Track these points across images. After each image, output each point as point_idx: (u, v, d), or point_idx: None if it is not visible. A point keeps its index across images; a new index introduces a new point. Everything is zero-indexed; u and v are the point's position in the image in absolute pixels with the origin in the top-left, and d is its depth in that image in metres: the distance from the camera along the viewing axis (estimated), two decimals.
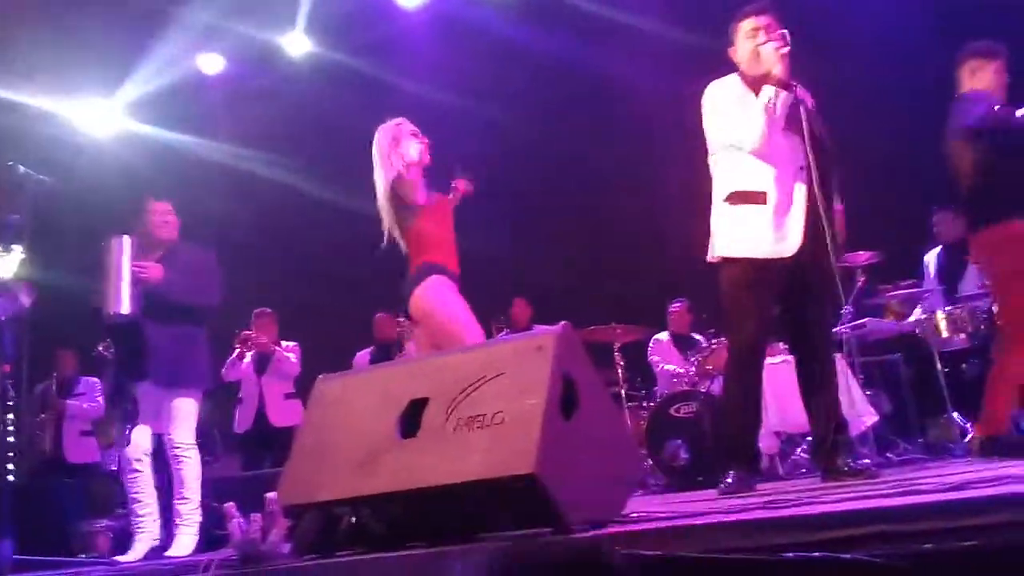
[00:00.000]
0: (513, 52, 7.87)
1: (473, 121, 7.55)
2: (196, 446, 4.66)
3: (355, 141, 4.20)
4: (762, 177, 3.43)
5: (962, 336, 5.37)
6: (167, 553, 4.48)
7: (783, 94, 3.38)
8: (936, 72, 4.37)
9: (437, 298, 3.72)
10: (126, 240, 4.44)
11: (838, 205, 3.48)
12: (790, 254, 3.38)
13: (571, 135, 7.75)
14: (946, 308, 5.40)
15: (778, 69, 3.38)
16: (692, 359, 6.28)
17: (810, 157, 3.39)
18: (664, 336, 6.92)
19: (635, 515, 2.31)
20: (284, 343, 7.09)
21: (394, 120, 4.04)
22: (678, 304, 6.87)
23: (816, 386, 3.45)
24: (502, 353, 2.34)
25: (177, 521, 4.55)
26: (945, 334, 5.41)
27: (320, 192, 7.98)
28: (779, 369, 5.05)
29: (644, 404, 6.41)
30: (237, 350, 7.00)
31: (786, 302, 3.53)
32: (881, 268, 5.71)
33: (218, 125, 8.80)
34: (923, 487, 2.41)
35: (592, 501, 2.21)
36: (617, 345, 6.37)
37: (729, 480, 3.41)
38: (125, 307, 4.37)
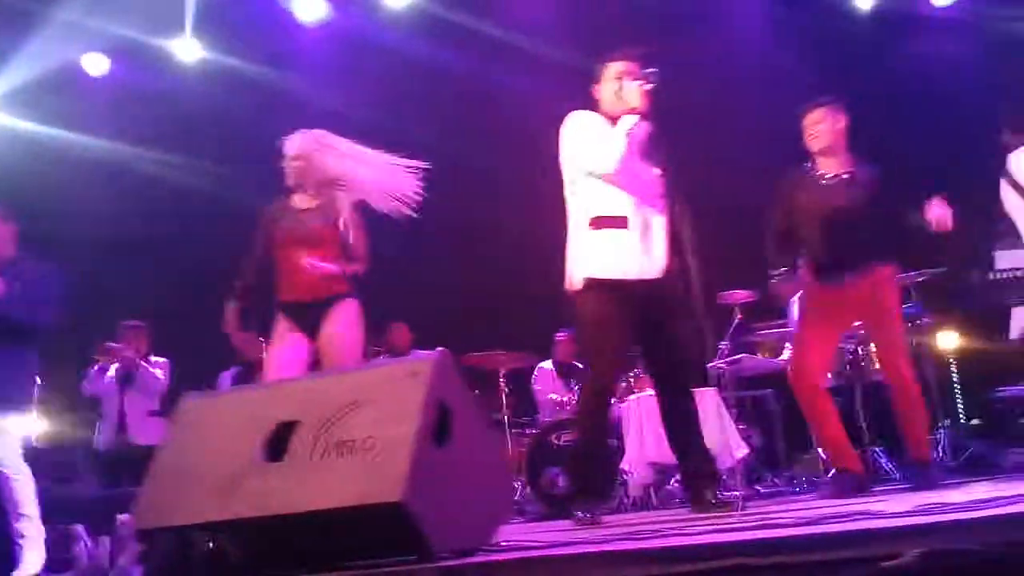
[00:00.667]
0: (407, 69, 7.87)
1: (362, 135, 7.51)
2: (24, 463, 4.43)
3: (248, 149, 4.14)
4: (622, 203, 3.50)
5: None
6: (15, 575, 4.24)
7: (643, 124, 3.47)
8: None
9: None
10: None
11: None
12: (655, 275, 3.44)
13: (460, 157, 7.75)
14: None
15: (639, 104, 3.47)
16: (575, 388, 6.35)
17: (669, 190, 3.50)
18: (548, 365, 6.98)
19: (503, 544, 2.31)
20: (154, 358, 6.81)
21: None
22: (563, 334, 6.95)
23: (679, 419, 3.50)
24: (376, 378, 2.31)
25: (20, 542, 4.31)
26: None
27: (213, 198, 7.76)
28: (655, 400, 5.15)
29: (526, 431, 6.44)
30: (98, 363, 6.68)
31: (647, 335, 3.57)
32: (757, 306, 5.91)
33: (102, 125, 8.45)
34: (782, 521, 2.50)
35: (461, 529, 2.19)
36: (502, 372, 6.39)
37: (579, 514, 3.44)
38: None
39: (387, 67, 7.89)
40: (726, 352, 5.90)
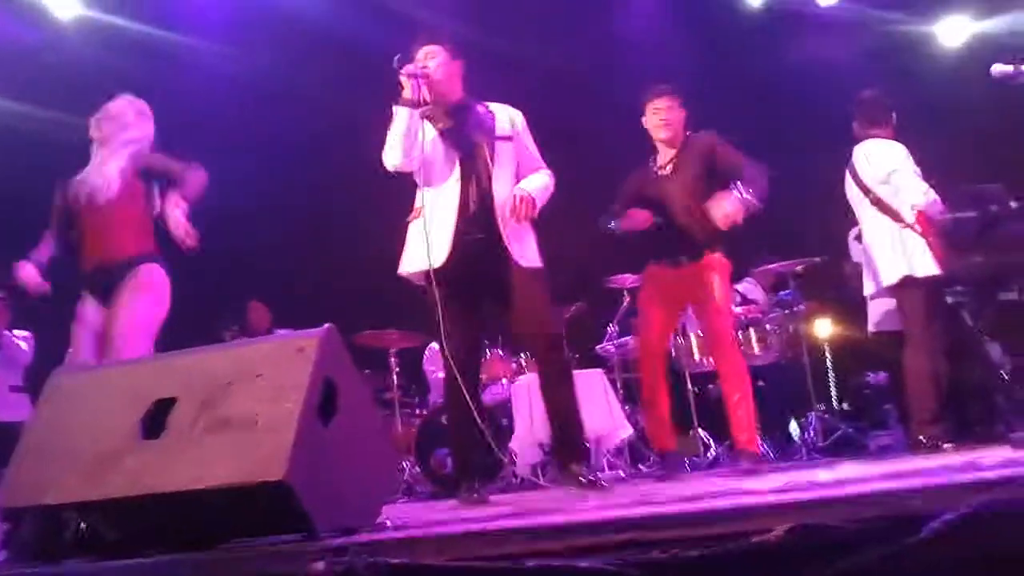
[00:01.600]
0: (296, 32, 7.66)
1: (237, 98, 7.29)
2: None
3: None
4: (424, 193, 3.56)
5: (709, 359, 5.80)
6: None
7: (401, 111, 3.48)
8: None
9: None
10: None
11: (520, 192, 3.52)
12: (438, 265, 3.45)
13: (338, 120, 7.60)
14: (697, 332, 5.81)
15: (407, 92, 3.51)
16: None
17: (460, 171, 3.53)
18: (437, 345, 6.96)
19: (388, 523, 2.30)
20: (16, 331, 6.47)
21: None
22: None
23: (545, 393, 3.56)
24: (261, 353, 2.26)
25: None
26: (696, 357, 5.83)
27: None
28: None
29: (416, 412, 6.42)
30: None
31: (499, 315, 3.67)
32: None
33: None
34: (660, 499, 2.58)
35: (345, 508, 2.17)
36: (393, 351, 6.35)
37: (464, 493, 3.50)
38: None
39: (270, 26, 7.66)
40: (614, 335, 6.02)
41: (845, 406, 7.16)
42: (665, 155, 4.45)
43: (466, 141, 3.57)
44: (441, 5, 7.16)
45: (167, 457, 2.09)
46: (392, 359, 6.37)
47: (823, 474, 3.29)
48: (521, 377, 5.92)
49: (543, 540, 1.92)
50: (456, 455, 3.78)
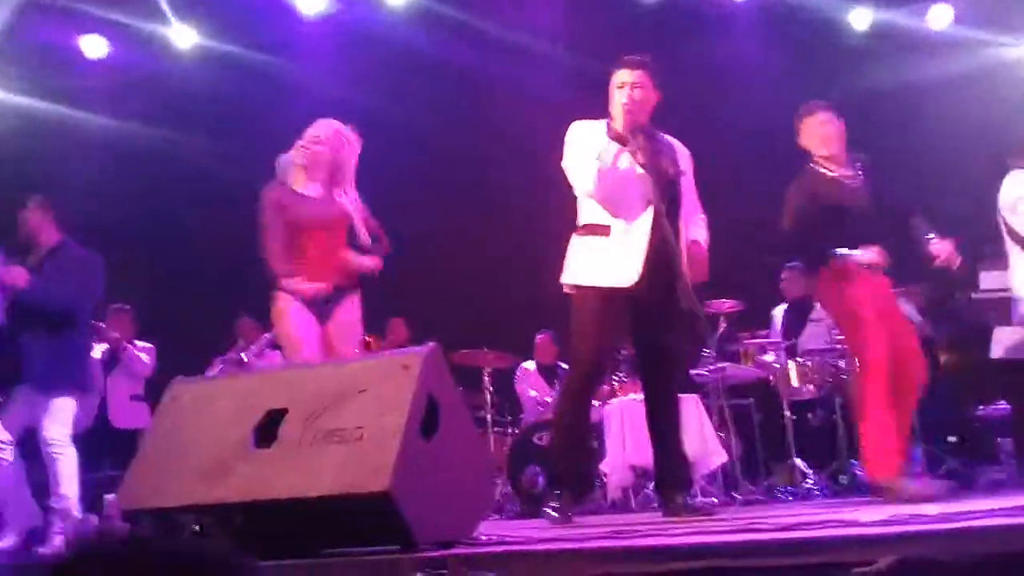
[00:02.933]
0: (407, 63, 7.88)
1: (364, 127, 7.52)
2: (71, 443, 4.52)
3: (248, 134, 4.12)
4: (607, 211, 3.57)
5: (810, 387, 5.67)
6: (42, 551, 4.20)
7: (614, 148, 3.51)
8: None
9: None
10: None
11: (697, 245, 3.61)
12: (629, 284, 3.46)
13: (454, 154, 7.78)
14: (797, 359, 5.69)
15: (619, 124, 3.53)
16: (558, 388, 6.39)
17: (656, 196, 3.50)
18: (531, 365, 7.01)
19: (483, 537, 2.34)
20: (139, 342, 6.80)
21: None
22: (543, 335, 6.99)
23: (659, 422, 3.55)
24: (367, 369, 2.34)
25: (53, 519, 4.28)
26: (795, 384, 5.70)
27: (211, 184, 7.74)
28: (638, 404, 5.20)
29: (509, 431, 6.47)
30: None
31: (637, 337, 3.66)
32: (742, 316, 5.98)
33: (100, 106, 8.43)
34: (758, 527, 2.54)
35: (443, 521, 2.22)
36: (487, 370, 6.43)
37: (551, 512, 3.46)
38: None
39: (384, 58, 7.90)
40: (710, 360, 5.95)
41: (952, 439, 6.87)
42: (837, 165, 4.14)
43: (661, 173, 3.57)
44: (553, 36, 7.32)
45: (277, 466, 2.18)
46: (486, 378, 6.44)
47: (928, 507, 3.18)
48: (613, 400, 5.90)
49: (641, 561, 1.93)
50: (554, 473, 3.71)
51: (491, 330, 6.87)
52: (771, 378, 6.05)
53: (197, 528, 2.17)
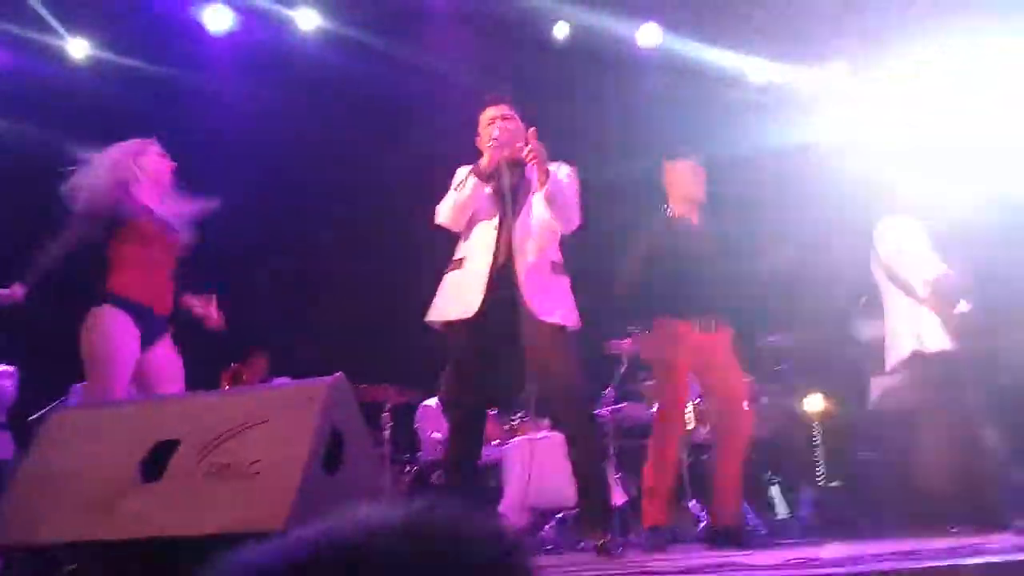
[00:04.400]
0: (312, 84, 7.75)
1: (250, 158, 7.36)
2: None
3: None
4: (465, 244, 3.63)
5: (706, 428, 5.76)
6: None
7: (471, 179, 3.55)
8: None
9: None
10: None
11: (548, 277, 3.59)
12: (471, 315, 3.46)
13: (362, 181, 7.66)
14: (694, 400, 5.78)
15: (485, 159, 3.58)
16: None
17: (507, 223, 3.56)
18: (433, 402, 6.91)
19: None
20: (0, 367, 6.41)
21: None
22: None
23: (573, 456, 3.51)
24: (268, 399, 2.24)
25: None
26: (691, 425, 5.79)
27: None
28: (542, 444, 5.18)
29: (406, 468, 6.35)
30: None
31: (515, 372, 3.69)
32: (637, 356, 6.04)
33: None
34: (661, 569, 2.54)
35: None
36: (388, 405, 6.30)
37: None
38: None
39: (289, 79, 7.76)
40: (610, 399, 5.99)
41: (834, 484, 7.08)
42: (681, 208, 4.35)
43: (513, 197, 3.59)
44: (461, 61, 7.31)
45: (166, 501, 2.05)
46: (385, 414, 6.31)
47: (822, 551, 3.25)
48: (514, 439, 5.86)
49: None
50: None
51: (392, 365, 6.76)
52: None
53: (73, 567, 2.02)
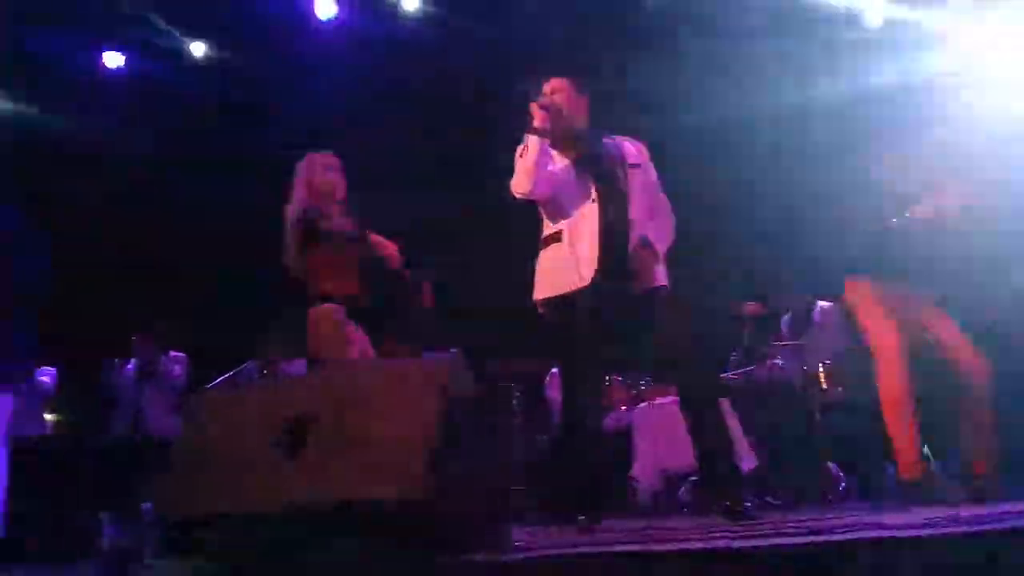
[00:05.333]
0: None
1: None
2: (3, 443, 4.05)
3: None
4: (556, 218, 3.62)
5: (839, 389, 5.61)
6: None
7: (533, 140, 3.54)
8: None
9: None
10: None
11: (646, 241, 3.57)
12: (582, 285, 3.46)
13: (465, 160, 7.79)
14: (825, 361, 5.63)
15: (537, 121, 3.57)
16: None
17: (597, 194, 3.55)
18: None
19: (518, 543, 2.34)
20: (173, 353, 6.89)
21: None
22: None
23: (694, 421, 3.50)
24: (392, 375, 2.35)
25: None
26: (824, 386, 5.65)
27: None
28: (670, 407, 5.18)
29: (536, 437, 6.47)
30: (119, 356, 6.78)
31: (633, 340, 3.66)
32: (769, 318, 5.93)
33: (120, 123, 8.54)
34: (792, 530, 2.52)
35: (472, 528, 2.22)
36: (515, 375, 6.42)
37: (581, 519, 3.43)
38: None
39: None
40: (736, 363, 5.91)
41: None
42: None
43: (602, 168, 3.62)
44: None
45: (304, 473, 2.19)
46: (513, 384, 6.44)
47: (955, 509, 3.13)
48: (642, 404, 5.88)
49: (682, 565, 1.92)
50: (575, 480, 3.75)
51: (519, 336, 6.87)
52: (799, 381, 5.99)
53: (226, 537, 2.19)
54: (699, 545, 2.11)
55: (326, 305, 3.78)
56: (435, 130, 7.73)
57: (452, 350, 2.31)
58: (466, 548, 2.18)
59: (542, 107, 3.57)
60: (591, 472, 3.61)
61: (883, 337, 4.03)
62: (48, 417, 6.88)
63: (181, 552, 2.17)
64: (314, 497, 2.14)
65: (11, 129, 7.93)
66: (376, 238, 4.10)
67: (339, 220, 4.01)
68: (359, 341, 3.82)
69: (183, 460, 2.39)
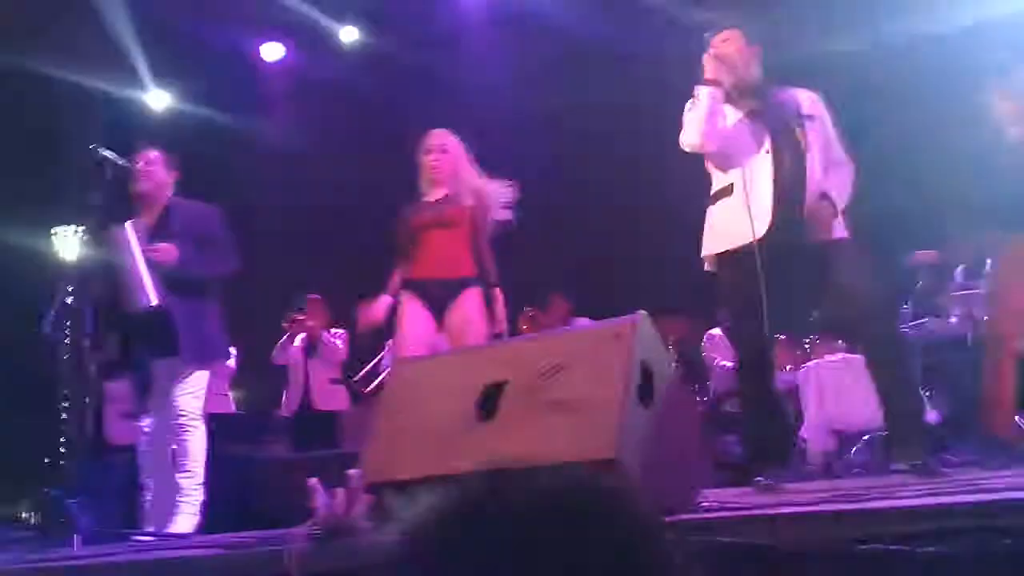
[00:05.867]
0: (562, 42, 7.88)
1: (518, 115, 7.63)
2: (203, 419, 4.33)
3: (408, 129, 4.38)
4: (728, 171, 3.54)
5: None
6: (169, 530, 4.09)
7: (704, 91, 3.47)
8: None
9: None
10: (129, 228, 4.18)
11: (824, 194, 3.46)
12: (753, 241, 3.36)
13: (615, 125, 7.72)
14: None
15: (708, 72, 3.50)
16: None
17: (772, 146, 3.46)
18: (717, 332, 6.90)
19: (707, 504, 2.34)
20: (334, 330, 7.22)
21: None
22: None
23: (881, 377, 3.38)
24: (579, 340, 2.39)
25: (177, 497, 4.18)
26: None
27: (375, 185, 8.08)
28: (838, 365, 5.04)
29: (698, 400, 6.42)
30: (287, 335, 7.16)
31: (806, 295, 3.55)
32: (943, 268, 5.66)
33: (278, 112, 8.95)
34: (990, 486, 2.41)
35: (667, 490, 2.24)
36: (671, 339, 6.39)
37: (760, 480, 3.34)
38: (153, 298, 4.11)
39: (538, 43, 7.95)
40: (911, 315, 5.66)
41: None
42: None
43: (776, 120, 3.53)
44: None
45: (502, 436, 2.26)
46: (670, 347, 6.40)
47: None
48: (808, 363, 5.73)
49: (870, 525, 1.88)
50: (750, 440, 3.71)
51: (674, 296, 6.81)
52: (972, 332, 5.68)
53: (434, 498, 2.29)
54: (904, 502, 2.05)
55: None
56: None
57: (640, 311, 2.32)
58: (658, 509, 2.20)
59: (714, 58, 3.51)
60: (771, 432, 3.56)
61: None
62: (232, 395, 7.34)
63: (389, 516, 2.28)
64: (513, 460, 2.21)
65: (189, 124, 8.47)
66: None
67: None
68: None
69: (386, 427, 2.51)
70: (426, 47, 8.26)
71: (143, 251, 4.15)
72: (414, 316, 4.24)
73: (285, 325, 7.21)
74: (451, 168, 4.39)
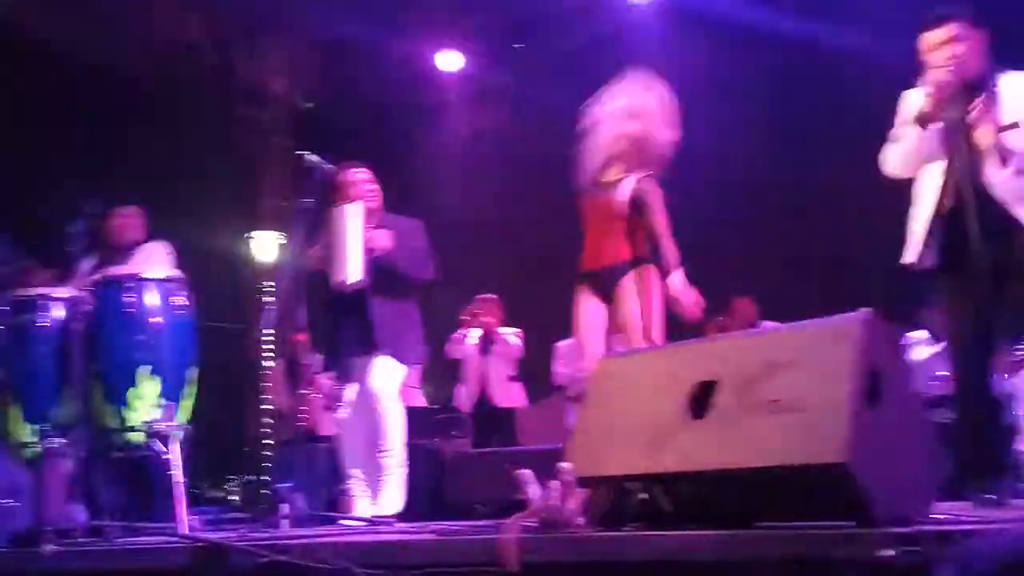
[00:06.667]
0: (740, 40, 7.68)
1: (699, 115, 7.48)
2: (400, 400, 4.47)
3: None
4: (924, 179, 3.33)
5: None
6: (376, 507, 4.30)
7: (909, 131, 3.22)
8: None
9: None
10: (358, 206, 4.31)
11: None
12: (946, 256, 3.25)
13: (802, 129, 7.44)
14: None
15: (927, 104, 3.14)
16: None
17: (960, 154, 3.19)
18: (920, 334, 6.52)
19: (942, 515, 2.18)
20: (509, 328, 7.32)
21: None
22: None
23: None
24: (797, 339, 2.28)
25: (380, 476, 4.37)
26: None
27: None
28: None
29: None
30: (461, 329, 7.31)
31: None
32: None
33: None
34: None
35: (898, 497, 2.10)
36: None
37: (983, 495, 3.14)
38: (357, 276, 4.22)
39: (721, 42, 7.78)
40: None
41: None
42: None
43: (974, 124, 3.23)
44: None
45: (716, 436, 2.18)
46: None
47: None
48: (1021, 371, 5.30)
49: None
50: (970, 452, 3.45)
51: (861, 298, 6.48)
52: None
53: (645, 496, 2.25)
54: None
55: None
56: None
57: (866, 309, 2.19)
58: (886, 517, 2.06)
59: (938, 87, 3.16)
60: (995, 445, 3.31)
61: None
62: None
63: (603, 513, 2.27)
64: (729, 460, 2.13)
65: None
66: None
67: None
68: None
69: (592, 423, 2.50)
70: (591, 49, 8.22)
71: (364, 230, 4.30)
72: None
73: (462, 318, 7.38)
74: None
